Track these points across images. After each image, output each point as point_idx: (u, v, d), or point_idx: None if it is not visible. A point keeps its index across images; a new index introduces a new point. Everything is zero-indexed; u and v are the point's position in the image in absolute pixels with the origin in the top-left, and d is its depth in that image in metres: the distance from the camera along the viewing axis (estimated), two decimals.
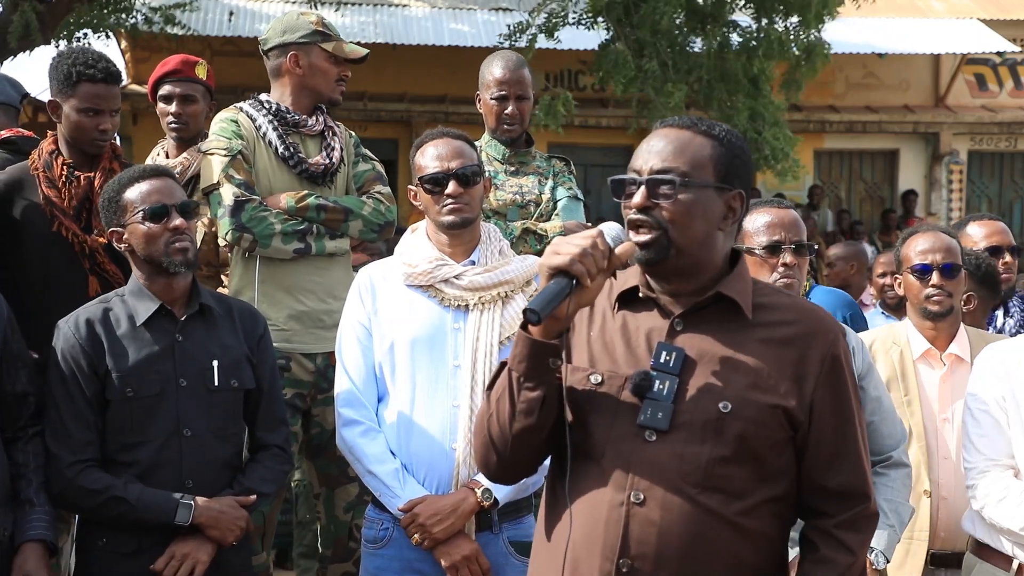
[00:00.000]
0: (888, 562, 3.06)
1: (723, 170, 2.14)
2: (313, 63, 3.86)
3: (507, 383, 2.13)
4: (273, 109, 3.84)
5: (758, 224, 3.12)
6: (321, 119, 3.94)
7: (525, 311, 2.02)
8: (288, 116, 3.84)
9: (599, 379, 2.14)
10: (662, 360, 2.10)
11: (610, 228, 2.09)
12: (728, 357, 2.10)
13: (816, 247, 3.28)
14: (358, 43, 4.06)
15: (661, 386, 2.09)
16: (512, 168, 4.15)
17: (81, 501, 2.94)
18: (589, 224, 4.10)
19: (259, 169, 3.78)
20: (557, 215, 4.11)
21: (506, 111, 4.10)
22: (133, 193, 3.01)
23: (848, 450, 2.14)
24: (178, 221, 2.98)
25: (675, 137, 2.15)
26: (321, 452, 3.86)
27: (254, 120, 3.82)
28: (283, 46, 3.86)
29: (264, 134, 3.81)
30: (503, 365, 2.16)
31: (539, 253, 3.83)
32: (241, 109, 3.86)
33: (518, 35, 11.23)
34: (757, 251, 3.09)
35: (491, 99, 4.12)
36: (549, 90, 12.03)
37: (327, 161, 3.88)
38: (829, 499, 2.14)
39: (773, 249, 3.09)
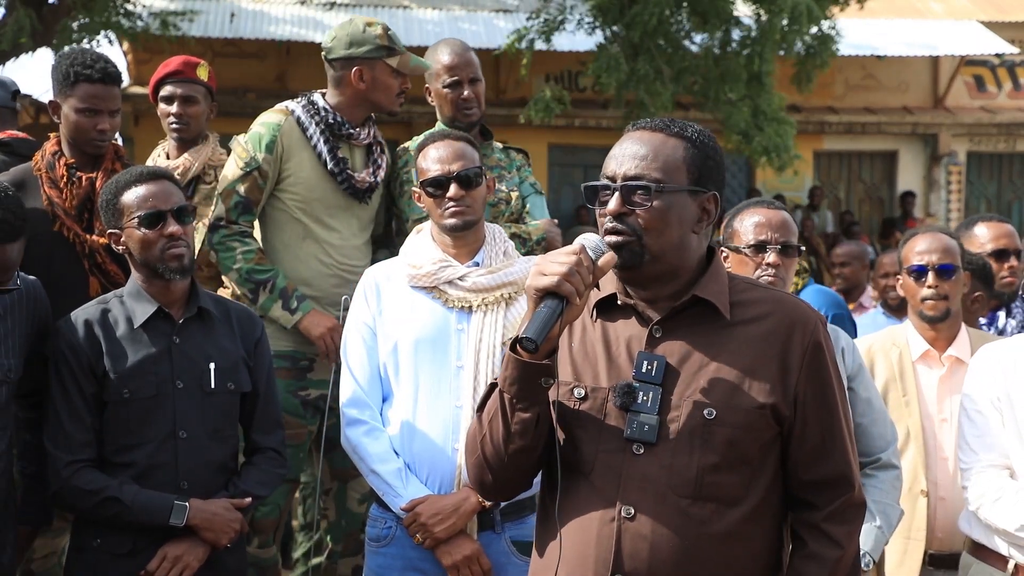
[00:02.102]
0: (875, 563, 3.06)
1: (696, 173, 2.12)
2: (377, 78, 3.84)
3: (499, 405, 2.10)
4: (328, 119, 3.81)
5: (747, 224, 3.16)
6: (371, 132, 3.93)
7: (521, 340, 2.00)
8: (343, 128, 3.83)
9: (582, 393, 2.12)
10: (644, 370, 2.08)
11: (589, 240, 2.07)
12: (709, 361, 2.08)
13: (803, 248, 3.32)
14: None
15: (645, 397, 2.07)
16: None
17: (77, 501, 2.95)
18: (556, 221, 4.10)
19: (301, 177, 3.78)
20: (527, 213, 4.07)
21: (462, 96, 4.01)
22: (130, 197, 2.99)
23: (833, 438, 2.13)
24: (173, 228, 2.97)
25: (648, 140, 2.13)
26: (337, 445, 3.87)
27: (305, 128, 3.81)
28: (348, 59, 3.82)
29: (315, 144, 3.80)
30: (493, 386, 2.14)
31: (524, 255, 3.84)
32: (292, 112, 3.84)
33: (517, 42, 11.24)
34: (744, 249, 3.13)
35: (444, 87, 4.02)
36: (549, 86, 12.01)
37: (372, 179, 3.88)
38: (816, 490, 2.12)
39: (759, 248, 3.14)
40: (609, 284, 2.18)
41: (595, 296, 2.17)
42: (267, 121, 3.82)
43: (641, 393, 2.07)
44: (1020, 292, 4.39)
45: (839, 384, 2.16)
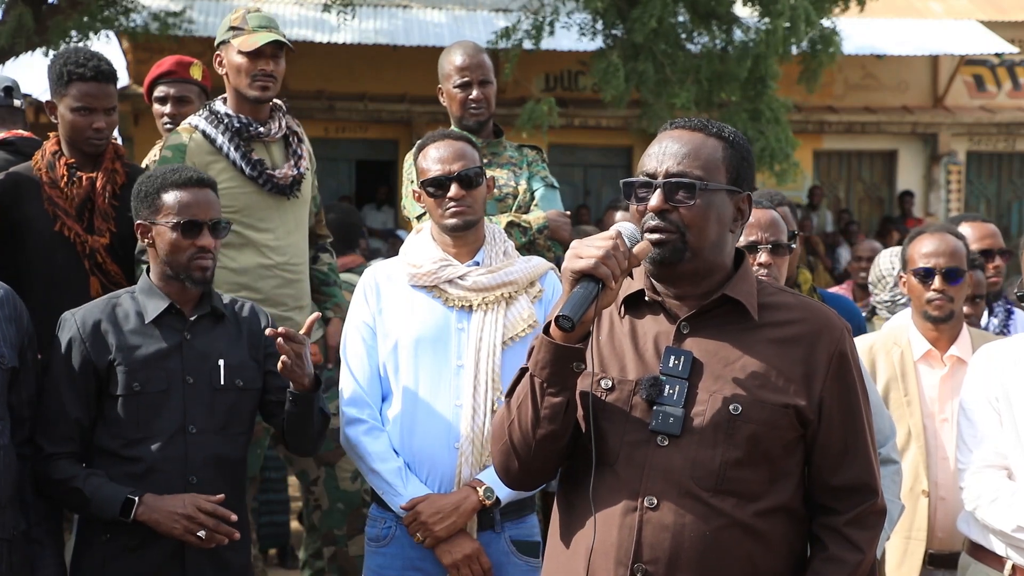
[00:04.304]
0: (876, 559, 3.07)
1: (734, 172, 2.15)
2: (230, 61, 3.74)
3: (529, 389, 2.11)
4: (234, 124, 3.73)
5: None
6: (281, 124, 3.84)
7: (557, 318, 2.01)
8: (250, 129, 3.74)
9: (609, 384, 2.14)
10: (671, 365, 2.11)
11: (626, 228, 2.09)
12: (736, 359, 2.11)
13: (793, 246, 3.39)
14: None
15: (671, 391, 2.09)
16: (484, 160, 4.09)
17: (50, 491, 2.94)
18: (568, 212, 4.12)
19: (223, 190, 3.57)
20: (535, 206, 4.09)
21: (471, 96, 4.04)
22: (171, 197, 2.99)
23: (857, 446, 2.15)
24: (206, 240, 2.98)
25: (688, 139, 2.15)
26: None
27: (213, 140, 3.72)
28: (216, 48, 3.78)
29: (227, 153, 3.71)
30: (523, 371, 2.15)
31: (525, 245, 3.84)
32: (196, 128, 3.74)
33: (505, 39, 11.20)
34: None
35: (454, 87, 4.05)
36: (540, 96, 11.95)
37: (295, 172, 3.82)
38: (838, 496, 2.15)
39: (750, 249, 3.18)
40: (637, 280, 2.20)
41: (623, 291, 2.19)
42: (172, 144, 3.73)
43: (667, 386, 2.10)
44: (1005, 293, 4.45)
45: (864, 393, 2.19)
